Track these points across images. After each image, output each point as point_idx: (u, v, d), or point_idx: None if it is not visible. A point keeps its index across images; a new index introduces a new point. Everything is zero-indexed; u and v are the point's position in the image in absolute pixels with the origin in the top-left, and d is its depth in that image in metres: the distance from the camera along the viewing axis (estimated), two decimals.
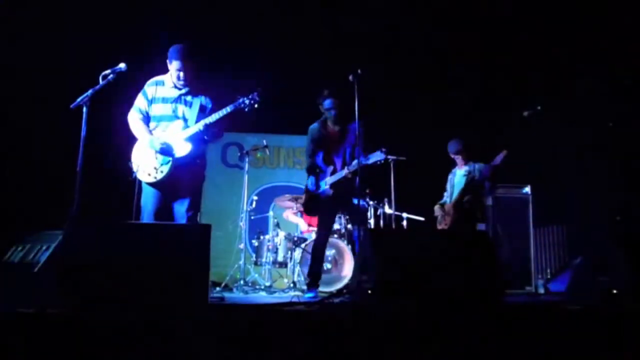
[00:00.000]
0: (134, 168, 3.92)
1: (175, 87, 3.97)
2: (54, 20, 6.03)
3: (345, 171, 4.61)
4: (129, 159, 3.99)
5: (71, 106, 3.70)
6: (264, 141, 6.69)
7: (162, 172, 3.86)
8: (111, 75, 3.80)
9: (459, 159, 5.83)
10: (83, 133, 3.64)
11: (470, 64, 7.06)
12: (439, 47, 6.96)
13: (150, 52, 6.17)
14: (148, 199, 3.96)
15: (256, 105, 3.88)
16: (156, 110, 3.98)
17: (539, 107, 4.75)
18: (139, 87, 4.20)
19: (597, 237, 5.75)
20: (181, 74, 3.88)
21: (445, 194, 5.99)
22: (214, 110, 3.95)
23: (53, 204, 5.56)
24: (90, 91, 3.71)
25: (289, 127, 7.76)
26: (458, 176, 5.83)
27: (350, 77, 4.24)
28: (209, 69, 4.21)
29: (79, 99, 3.69)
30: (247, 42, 6.81)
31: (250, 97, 3.87)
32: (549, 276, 6.47)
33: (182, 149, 3.88)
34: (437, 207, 5.95)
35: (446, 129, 6.64)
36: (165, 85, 4.00)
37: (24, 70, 6.00)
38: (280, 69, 6.91)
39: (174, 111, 3.96)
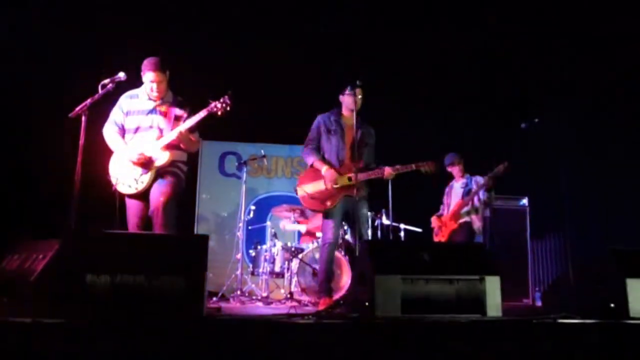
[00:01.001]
0: (113, 181, 3.91)
1: (150, 98, 4.00)
2: (54, 29, 6.06)
3: (388, 170, 4.32)
4: (106, 173, 3.98)
5: (70, 115, 3.71)
6: (262, 151, 6.70)
7: (142, 182, 3.87)
8: (110, 85, 3.82)
9: (455, 171, 5.86)
10: (81, 142, 3.65)
11: (470, 75, 7.09)
12: (438, 57, 7.00)
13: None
14: (131, 212, 3.96)
15: (228, 109, 3.90)
16: (132, 122, 4.00)
17: (536, 119, 4.77)
18: None
19: (595, 249, 5.76)
20: (155, 85, 3.92)
21: (442, 206, 6.01)
22: (188, 118, 3.96)
23: (50, 212, 5.55)
24: (89, 100, 3.72)
25: (287, 137, 7.77)
26: (456, 188, 5.86)
27: (349, 87, 4.27)
28: (201, 81, 4.25)
29: (77, 108, 3.70)
30: (246, 50, 6.84)
31: (221, 100, 3.89)
32: (546, 288, 6.47)
33: (161, 157, 3.89)
34: (434, 219, 5.98)
35: (444, 140, 6.67)
36: (139, 98, 4.04)
37: (23, 78, 6.01)
38: (278, 79, 6.93)
39: (149, 122, 3.97)
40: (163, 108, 3.99)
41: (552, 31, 6.38)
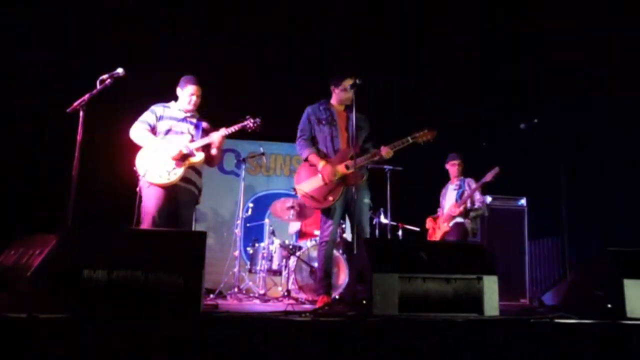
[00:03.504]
0: (141, 172, 4.00)
1: (180, 110, 4.21)
2: (53, 24, 6.04)
3: (385, 149, 4.16)
4: (133, 166, 4.06)
5: (68, 110, 3.71)
6: (261, 148, 6.70)
7: (175, 174, 4.01)
8: (108, 80, 3.82)
9: (452, 170, 5.87)
10: (79, 137, 3.65)
11: (468, 75, 7.09)
12: (436, 58, 7.00)
13: (148, 57, 6.21)
14: (151, 201, 4.01)
15: (257, 130, 4.37)
16: (164, 125, 4.17)
17: (535, 120, 4.77)
18: (137, 92, 4.24)
19: (593, 250, 5.76)
20: (194, 98, 4.18)
21: (439, 208, 6.02)
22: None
23: (48, 207, 5.54)
24: (87, 95, 3.72)
25: (286, 135, 7.75)
26: (450, 190, 5.87)
27: (349, 87, 4.23)
28: (200, 80, 4.33)
29: (75, 103, 3.70)
30: (245, 48, 6.83)
31: (254, 121, 4.32)
32: (543, 288, 6.48)
33: (197, 156, 4.10)
34: (429, 220, 5.99)
35: (443, 140, 6.67)
36: (171, 108, 4.24)
37: (21, 74, 6.00)
38: (277, 76, 6.92)
39: (181, 128, 4.17)
40: (194, 120, 4.24)
41: (552, 30, 6.38)
